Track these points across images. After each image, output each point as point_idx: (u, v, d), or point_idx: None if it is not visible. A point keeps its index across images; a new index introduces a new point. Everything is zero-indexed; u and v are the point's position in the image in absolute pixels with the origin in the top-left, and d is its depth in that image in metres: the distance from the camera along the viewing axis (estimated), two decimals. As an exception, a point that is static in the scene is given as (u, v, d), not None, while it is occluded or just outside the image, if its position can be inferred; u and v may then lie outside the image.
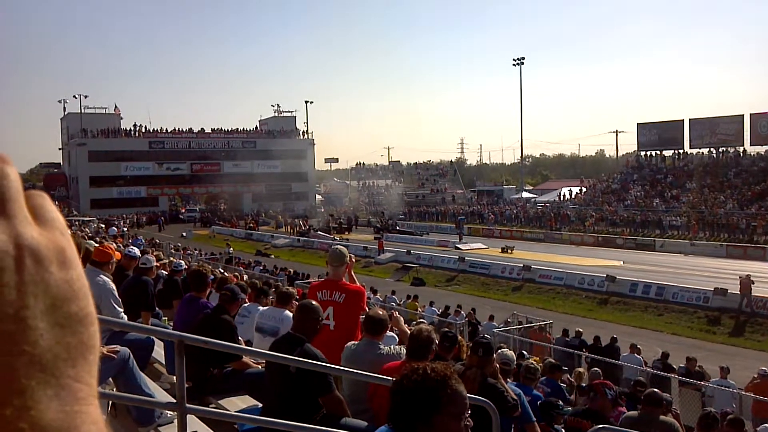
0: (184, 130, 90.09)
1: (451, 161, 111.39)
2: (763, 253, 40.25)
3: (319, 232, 58.33)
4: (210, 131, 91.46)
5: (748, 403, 13.78)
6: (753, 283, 26.36)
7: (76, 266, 0.51)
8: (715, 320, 26.30)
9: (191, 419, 4.41)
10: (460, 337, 7.70)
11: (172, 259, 16.55)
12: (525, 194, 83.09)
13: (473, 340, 6.83)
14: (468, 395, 4.48)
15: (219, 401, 5.75)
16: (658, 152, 68.06)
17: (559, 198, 71.23)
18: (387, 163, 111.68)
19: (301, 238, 55.93)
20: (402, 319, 7.85)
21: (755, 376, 14.84)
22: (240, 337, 6.71)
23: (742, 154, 60.96)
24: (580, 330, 18.98)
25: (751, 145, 60.70)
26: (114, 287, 6.04)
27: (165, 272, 11.95)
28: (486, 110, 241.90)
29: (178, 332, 4.23)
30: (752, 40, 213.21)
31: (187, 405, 3.60)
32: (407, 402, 2.52)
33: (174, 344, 3.56)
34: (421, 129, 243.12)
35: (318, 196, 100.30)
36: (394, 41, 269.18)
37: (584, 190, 70.09)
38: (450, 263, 39.65)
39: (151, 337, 6.05)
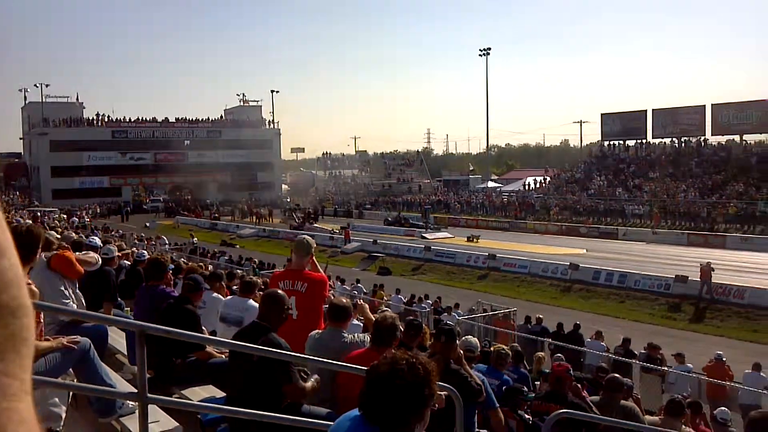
0: (148, 119, 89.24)
1: (418, 151, 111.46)
2: (723, 241, 41.07)
3: (315, 225, 55.06)
4: (174, 121, 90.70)
5: (704, 386, 14.14)
6: (713, 271, 26.84)
7: (10, 255, 0.48)
8: (676, 307, 26.76)
9: (154, 409, 4.38)
10: (424, 326, 7.75)
11: (134, 249, 16.37)
12: (491, 184, 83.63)
13: (436, 327, 6.89)
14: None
15: (182, 391, 5.72)
16: (622, 142, 68.83)
17: (524, 187, 71.76)
18: (354, 153, 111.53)
19: (296, 231, 53.22)
20: (367, 306, 7.88)
21: (711, 360, 15.25)
22: (203, 327, 6.67)
23: (703, 144, 61.89)
24: (541, 317, 19.22)
25: (712, 135, 61.72)
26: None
27: (128, 262, 11.83)
28: (452, 100, 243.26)
29: (140, 322, 4.20)
30: (715, 31, 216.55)
31: (149, 395, 3.58)
32: (390, 392, 2.46)
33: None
34: (388, 119, 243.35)
35: (284, 186, 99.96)
36: (361, 31, 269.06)
37: (549, 179, 70.69)
38: (416, 252, 39.87)
39: (104, 326, 5.96)
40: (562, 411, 5.59)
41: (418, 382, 2.48)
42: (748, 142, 59.62)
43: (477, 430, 5.79)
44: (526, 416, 7.23)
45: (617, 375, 8.00)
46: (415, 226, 53.20)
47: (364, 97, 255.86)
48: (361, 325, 7.59)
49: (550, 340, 17.14)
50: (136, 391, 3.62)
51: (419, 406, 2.49)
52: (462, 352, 6.01)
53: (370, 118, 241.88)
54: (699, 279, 27.00)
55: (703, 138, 62.28)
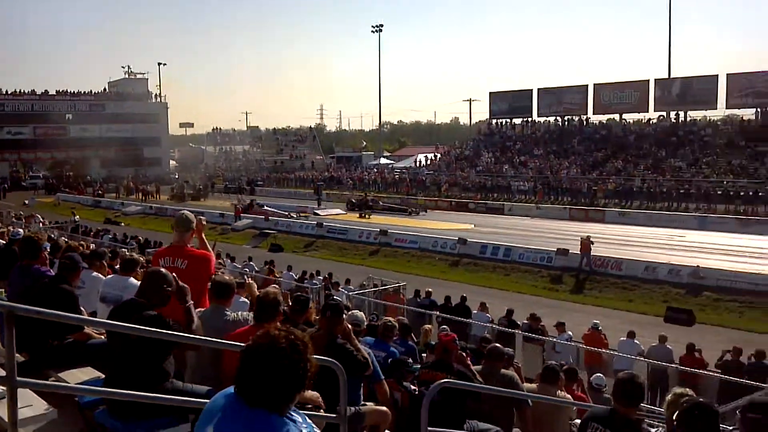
0: (27, 91, 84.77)
1: (311, 127, 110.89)
2: (603, 216, 43.14)
3: (266, 208, 46.31)
4: (55, 93, 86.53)
5: (582, 354, 14.89)
6: (592, 244, 28.11)
7: None
8: (558, 279, 27.92)
9: (28, 394, 4.23)
10: (311, 302, 7.78)
11: (10, 227, 15.60)
12: (383, 160, 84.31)
13: (324, 303, 6.94)
14: (317, 357, 4.55)
15: (60, 374, 5.53)
16: (509, 120, 70.84)
17: (416, 164, 72.77)
18: (245, 129, 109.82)
19: (244, 217, 44.74)
20: (255, 285, 7.84)
21: (588, 329, 16.06)
22: (82, 307, 6.45)
23: (585, 123, 64.60)
24: (430, 290, 19.64)
25: (593, 114, 64.59)
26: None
27: (2, 241, 11.29)
28: (346, 77, 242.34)
29: (9, 303, 4.03)
30: (596, 14, 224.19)
31: (18, 378, 3.46)
32: (273, 371, 2.42)
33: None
34: (281, 94, 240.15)
35: (172, 162, 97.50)
36: (254, 5, 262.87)
37: (439, 156, 71.97)
38: (308, 229, 39.86)
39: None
40: (444, 381, 5.74)
41: (300, 357, 2.48)
42: (627, 120, 62.63)
43: (363, 402, 5.87)
44: (412, 387, 7.38)
45: (498, 345, 8.28)
46: (397, 210, 49.10)
47: (257, 71, 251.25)
48: (248, 302, 7.55)
49: (437, 312, 17.54)
50: (4, 374, 3.48)
51: (303, 379, 2.50)
52: (350, 326, 6.07)
53: (262, 93, 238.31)
54: (579, 252, 28.22)
55: (585, 117, 64.95)
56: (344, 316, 6.18)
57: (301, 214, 45.45)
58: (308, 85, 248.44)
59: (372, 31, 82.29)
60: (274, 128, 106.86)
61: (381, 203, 51.02)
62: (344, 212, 48.07)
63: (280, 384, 2.44)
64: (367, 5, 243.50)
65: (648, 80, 60.88)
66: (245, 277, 13.97)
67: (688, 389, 4.75)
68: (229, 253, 26.99)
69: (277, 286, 10.81)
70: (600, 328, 16.01)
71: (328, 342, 5.54)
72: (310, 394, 4.52)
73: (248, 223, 43.14)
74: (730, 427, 4.76)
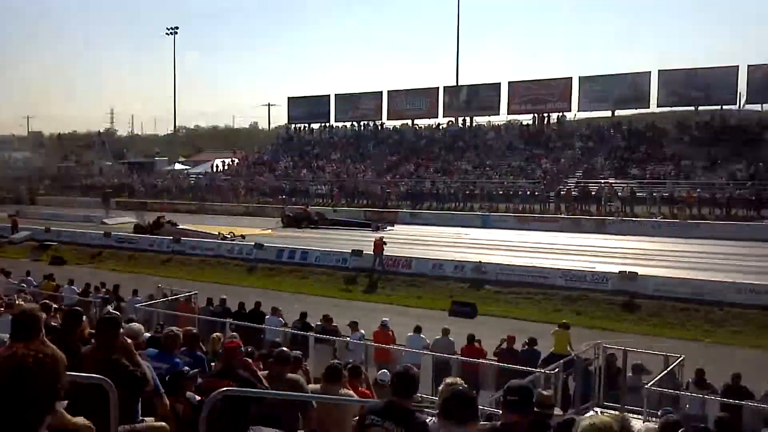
0: None
1: (99, 132, 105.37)
2: (396, 217, 44.86)
3: (183, 228, 39.38)
4: None
5: (372, 351, 15.44)
6: (385, 244, 29.24)
7: None
8: (352, 279, 28.69)
9: None
10: (84, 317, 7.41)
11: None
12: (178, 166, 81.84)
13: (99, 317, 6.67)
14: (85, 374, 4.38)
15: None
16: (307, 125, 71.46)
17: (213, 169, 71.38)
18: (26, 134, 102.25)
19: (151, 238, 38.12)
20: (26, 305, 7.38)
21: (378, 327, 16.65)
22: None
23: (380, 128, 66.68)
24: (224, 297, 19.38)
25: (388, 119, 66.82)
26: None
27: None
28: (138, 79, 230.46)
29: None
30: (389, 25, 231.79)
31: None
32: (21, 394, 2.20)
33: None
34: (67, 97, 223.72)
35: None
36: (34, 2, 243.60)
37: (237, 161, 71.12)
38: (95, 239, 37.94)
39: None
40: (223, 389, 5.74)
41: (49, 376, 2.38)
42: (419, 126, 65.19)
43: (141, 418, 5.72)
44: (197, 398, 7.29)
45: (285, 349, 8.41)
46: (358, 225, 42.86)
47: (39, 72, 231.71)
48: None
49: (231, 320, 17.36)
50: None
51: (53, 399, 2.40)
52: (129, 340, 5.89)
53: (45, 96, 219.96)
54: (372, 252, 29.16)
55: (380, 122, 66.94)
56: (120, 329, 5.99)
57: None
58: (97, 87, 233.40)
59: (166, 34, 79.81)
60: (59, 133, 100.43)
61: (329, 217, 44.97)
62: (135, 221, 45.56)
63: (27, 407, 2.33)
64: (160, 6, 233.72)
65: (438, 87, 64.00)
66: (15, 296, 13.05)
67: (458, 379, 5.12)
68: (4, 268, 24.91)
69: (48, 301, 10.20)
70: (388, 325, 16.58)
71: (102, 358, 5.36)
72: (83, 422, 4.34)
73: (27, 235, 40.33)
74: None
